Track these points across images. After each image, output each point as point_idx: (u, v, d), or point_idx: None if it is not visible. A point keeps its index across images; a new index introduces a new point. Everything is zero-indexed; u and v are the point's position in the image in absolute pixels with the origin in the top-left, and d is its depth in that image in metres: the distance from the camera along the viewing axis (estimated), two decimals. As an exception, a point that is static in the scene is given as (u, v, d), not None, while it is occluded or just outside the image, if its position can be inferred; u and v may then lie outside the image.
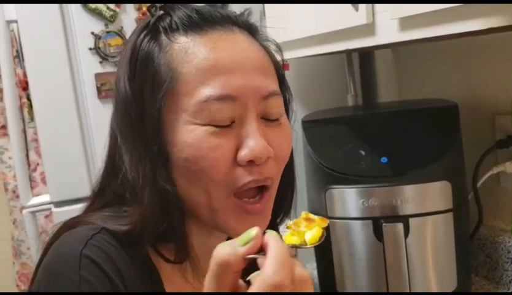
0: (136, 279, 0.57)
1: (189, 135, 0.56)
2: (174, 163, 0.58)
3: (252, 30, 0.64)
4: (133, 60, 0.59)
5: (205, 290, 0.45)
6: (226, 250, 0.44)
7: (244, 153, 0.56)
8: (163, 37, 0.59)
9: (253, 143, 0.56)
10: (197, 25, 0.59)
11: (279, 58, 0.67)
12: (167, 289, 0.61)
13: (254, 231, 0.45)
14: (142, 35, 0.60)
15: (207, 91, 0.55)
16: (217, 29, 0.59)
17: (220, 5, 1.37)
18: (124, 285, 0.55)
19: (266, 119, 0.60)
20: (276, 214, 0.69)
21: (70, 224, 0.61)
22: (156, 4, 0.61)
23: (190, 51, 0.57)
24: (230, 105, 0.56)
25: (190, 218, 0.61)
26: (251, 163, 0.56)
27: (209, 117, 0.56)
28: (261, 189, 0.60)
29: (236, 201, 0.58)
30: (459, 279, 1.03)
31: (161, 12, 0.61)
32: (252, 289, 0.42)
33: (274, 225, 0.69)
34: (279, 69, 0.65)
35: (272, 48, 0.67)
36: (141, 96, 0.58)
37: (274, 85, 0.61)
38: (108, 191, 0.63)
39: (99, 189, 0.65)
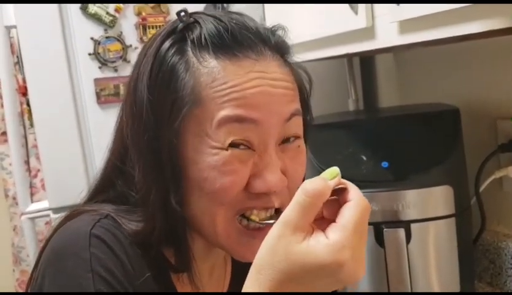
0: (144, 267, 0.57)
1: (213, 158, 0.54)
2: (190, 182, 0.56)
3: (283, 51, 0.62)
4: (155, 71, 0.57)
5: (288, 221, 0.46)
6: (317, 182, 0.47)
7: (258, 185, 0.55)
8: (191, 54, 0.56)
9: (270, 177, 0.55)
10: (228, 48, 0.56)
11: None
12: (178, 288, 0.61)
13: (336, 168, 0.50)
14: (167, 44, 0.57)
15: (226, 111, 0.54)
16: (248, 56, 0.56)
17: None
18: (132, 266, 0.55)
19: (284, 142, 0.58)
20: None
21: (73, 215, 0.61)
22: (185, 10, 0.59)
23: (218, 77, 0.55)
24: (250, 129, 0.55)
25: (194, 231, 0.61)
26: (263, 194, 0.56)
27: (227, 139, 0.54)
28: None
29: (239, 227, 0.58)
30: (462, 285, 1.01)
31: (191, 20, 0.58)
32: (350, 211, 0.48)
33: None
34: (303, 91, 0.64)
35: (303, 76, 0.65)
36: (161, 113, 0.56)
37: (296, 105, 0.59)
38: (113, 189, 0.62)
39: (102, 185, 0.64)
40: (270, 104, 0.55)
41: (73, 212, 0.61)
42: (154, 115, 0.56)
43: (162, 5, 1.40)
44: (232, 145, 0.54)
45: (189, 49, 0.57)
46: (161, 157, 0.56)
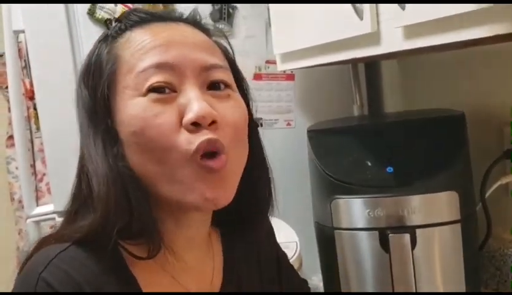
0: (108, 288, 0.57)
1: (133, 108, 0.57)
2: (125, 142, 0.58)
3: (197, 24, 0.66)
4: (88, 65, 0.63)
5: None
6: None
7: (187, 117, 0.56)
8: (112, 36, 0.63)
9: (195, 106, 0.56)
10: (142, 21, 0.63)
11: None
12: (146, 288, 0.60)
13: None
14: (97, 45, 0.65)
15: (145, 63, 0.58)
16: (159, 22, 0.63)
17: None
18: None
19: (213, 90, 0.61)
20: (257, 206, 0.70)
21: (45, 242, 0.61)
22: (113, 17, 0.67)
23: (131, 38, 0.61)
24: (168, 74, 0.58)
25: (155, 206, 0.59)
26: (198, 126, 0.56)
27: (148, 86, 0.57)
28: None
29: (195, 163, 0.56)
30: (468, 292, 1.01)
31: (116, 23, 0.65)
32: None
33: (257, 220, 0.71)
34: (230, 58, 0.68)
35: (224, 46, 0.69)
36: (93, 88, 0.61)
37: (217, 61, 0.62)
38: (80, 196, 0.62)
39: (73, 197, 0.65)
40: (182, 50, 0.59)
41: (47, 237, 0.62)
42: (89, 94, 0.61)
43: (168, 10, 1.41)
44: (152, 90, 0.57)
45: (112, 36, 0.63)
46: (96, 123, 0.60)
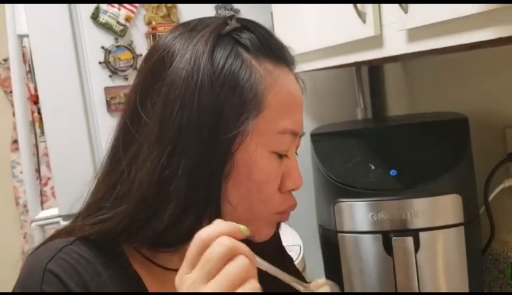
0: (111, 289, 0.57)
1: (261, 160, 0.58)
2: (233, 175, 0.57)
3: (293, 67, 0.65)
4: (219, 75, 0.56)
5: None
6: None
7: (290, 184, 0.62)
8: (247, 56, 0.58)
9: (297, 176, 0.62)
10: (277, 52, 0.61)
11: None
12: (152, 290, 0.60)
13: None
14: (222, 46, 0.58)
15: (286, 124, 0.59)
16: (287, 66, 0.63)
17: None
18: (99, 287, 0.55)
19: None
20: None
21: (52, 236, 0.61)
22: (233, 15, 0.62)
23: (278, 81, 0.59)
24: (293, 140, 0.62)
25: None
26: (290, 191, 0.63)
27: (278, 147, 0.60)
28: None
29: (273, 216, 0.63)
30: (468, 292, 1.01)
31: (238, 25, 0.60)
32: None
33: None
34: None
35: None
36: (226, 112, 0.56)
37: None
38: (107, 196, 0.60)
39: (98, 193, 0.62)
40: (302, 116, 0.64)
41: (52, 235, 0.62)
42: (216, 111, 0.55)
43: (172, 15, 1.41)
44: (277, 151, 0.60)
45: (244, 52, 0.58)
46: (217, 152, 0.56)
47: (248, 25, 0.60)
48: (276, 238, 0.81)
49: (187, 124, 0.55)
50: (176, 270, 0.49)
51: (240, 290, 0.45)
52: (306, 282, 0.61)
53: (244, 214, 0.59)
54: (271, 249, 0.79)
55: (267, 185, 0.59)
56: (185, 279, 0.46)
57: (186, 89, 0.56)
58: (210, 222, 0.50)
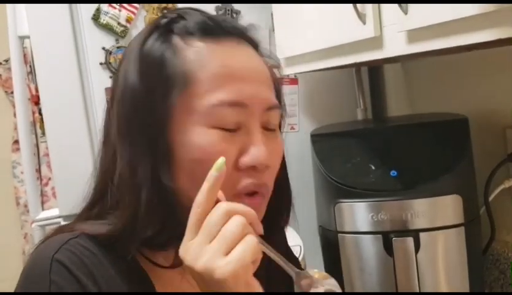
0: (118, 283, 0.57)
1: (199, 137, 0.57)
2: (178, 163, 0.58)
3: (256, 45, 0.66)
4: (145, 59, 0.59)
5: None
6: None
7: (247, 160, 0.58)
8: (177, 40, 0.60)
9: (257, 151, 0.58)
10: (213, 32, 0.60)
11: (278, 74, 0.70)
12: (160, 289, 0.61)
13: (221, 159, 0.53)
14: (153, 36, 0.60)
15: (221, 95, 0.57)
16: (230, 40, 0.61)
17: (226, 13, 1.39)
18: (99, 289, 0.55)
19: (265, 129, 0.61)
20: (273, 225, 0.68)
21: (54, 232, 0.61)
22: (169, 8, 0.63)
23: (206, 56, 0.59)
24: (239, 112, 0.58)
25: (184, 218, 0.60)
26: (251, 168, 0.58)
27: (218, 121, 0.57)
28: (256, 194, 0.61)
29: (235, 199, 0.57)
30: (469, 292, 1.01)
31: (175, 15, 0.62)
32: None
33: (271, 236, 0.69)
34: (277, 85, 0.68)
35: (274, 64, 0.69)
36: (152, 94, 0.58)
37: (275, 99, 0.63)
38: (106, 197, 0.61)
39: (93, 194, 0.64)
40: (255, 88, 0.59)
41: (55, 231, 0.62)
42: (148, 98, 0.58)
43: (173, 16, 1.41)
44: (222, 126, 0.57)
45: (175, 37, 0.60)
46: (152, 135, 0.57)
47: (183, 14, 0.62)
48: (282, 239, 0.81)
49: (123, 120, 0.59)
50: (175, 267, 0.54)
51: (239, 245, 0.49)
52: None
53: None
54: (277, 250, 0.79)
55: (211, 163, 0.55)
56: (189, 245, 0.50)
57: (122, 84, 0.60)
58: (178, 220, 0.55)
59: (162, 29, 0.61)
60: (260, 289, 0.51)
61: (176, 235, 0.56)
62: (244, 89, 0.58)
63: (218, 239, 0.49)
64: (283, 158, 0.69)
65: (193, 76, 0.58)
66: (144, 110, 0.58)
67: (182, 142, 0.57)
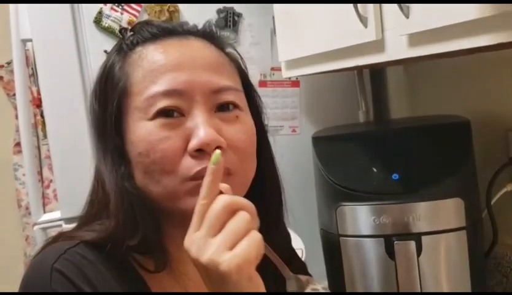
0: (117, 290, 0.58)
1: (141, 130, 0.59)
2: (133, 162, 0.60)
3: (208, 37, 0.67)
4: (101, 76, 0.64)
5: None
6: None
7: (192, 143, 0.58)
8: (125, 52, 0.64)
9: (201, 132, 0.57)
10: (154, 36, 0.64)
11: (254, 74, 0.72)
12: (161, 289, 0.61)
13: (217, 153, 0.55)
14: (111, 56, 0.65)
15: (155, 88, 0.59)
16: (170, 38, 0.64)
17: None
18: (104, 289, 0.56)
19: (222, 112, 0.62)
20: (267, 217, 0.68)
21: (55, 240, 0.62)
22: (124, 27, 0.67)
23: (143, 56, 0.62)
24: (177, 99, 0.59)
25: (163, 221, 0.62)
26: (201, 152, 0.58)
27: (156, 111, 0.59)
28: None
29: (193, 182, 0.58)
30: (470, 292, 1.00)
31: (130, 33, 0.66)
32: None
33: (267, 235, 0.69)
34: (243, 72, 0.69)
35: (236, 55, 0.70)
36: (104, 103, 0.62)
37: (228, 82, 0.63)
38: (95, 202, 0.64)
39: (89, 203, 0.66)
40: (192, 75, 0.60)
41: (56, 236, 0.63)
42: (100, 108, 0.63)
43: (175, 19, 1.41)
44: (160, 114, 0.59)
45: (125, 50, 0.64)
46: (106, 139, 0.61)
47: (134, 30, 0.66)
48: (287, 241, 0.81)
49: (92, 135, 0.64)
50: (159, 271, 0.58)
51: (243, 241, 0.50)
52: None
53: (160, 192, 0.59)
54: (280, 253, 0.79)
55: (156, 153, 0.57)
56: (193, 237, 0.51)
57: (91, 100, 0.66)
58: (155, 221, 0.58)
59: (119, 47, 0.65)
60: (262, 283, 0.52)
61: (151, 242, 0.59)
62: (178, 77, 0.59)
63: (224, 233, 0.50)
64: (270, 149, 0.70)
65: (131, 77, 0.61)
66: (99, 120, 0.63)
67: (131, 141, 0.60)
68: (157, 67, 0.60)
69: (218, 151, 0.55)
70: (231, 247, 0.50)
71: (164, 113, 0.59)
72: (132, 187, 0.59)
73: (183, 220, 0.60)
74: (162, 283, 0.62)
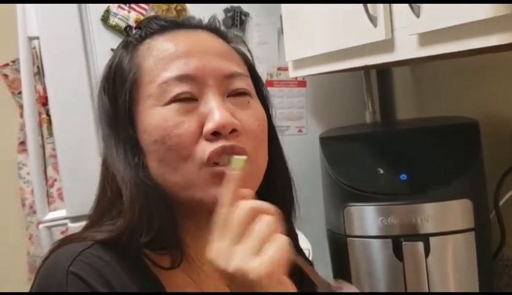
0: (133, 289, 0.57)
1: (154, 117, 0.59)
2: (146, 151, 0.60)
3: (215, 30, 0.68)
4: (109, 72, 0.64)
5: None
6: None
7: (208, 126, 0.57)
8: (131, 46, 0.64)
9: (216, 115, 0.57)
10: (162, 28, 0.64)
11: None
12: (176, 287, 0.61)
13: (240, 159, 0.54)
14: (118, 52, 0.65)
15: (168, 74, 0.59)
16: (179, 30, 0.64)
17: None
18: (123, 289, 0.56)
19: (233, 97, 0.62)
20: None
21: (65, 241, 0.61)
22: (130, 25, 0.69)
23: (151, 46, 0.62)
24: (190, 84, 0.59)
25: (177, 213, 0.61)
26: (217, 135, 0.58)
27: (170, 97, 0.58)
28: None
29: (209, 169, 0.57)
30: (471, 293, 1.00)
31: (136, 30, 0.66)
32: None
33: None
34: (250, 65, 0.69)
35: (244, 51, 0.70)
36: (115, 96, 0.62)
37: (238, 69, 0.63)
38: (105, 200, 0.63)
39: (97, 201, 0.65)
40: (203, 60, 0.60)
41: (68, 238, 0.62)
42: (110, 102, 0.63)
43: (182, 18, 1.41)
44: (174, 100, 0.58)
45: (131, 45, 0.64)
46: (118, 131, 0.61)
47: (141, 26, 0.66)
48: (294, 240, 0.81)
49: (102, 131, 0.64)
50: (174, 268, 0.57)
51: (268, 246, 0.49)
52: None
53: (176, 181, 0.58)
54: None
55: (172, 139, 0.57)
56: (218, 248, 0.50)
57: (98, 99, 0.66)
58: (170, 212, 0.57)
59: (126, 43, 0.65)
60: (292, 285, 0.51)
61: (168, 237, 0.58)
62: (189, 63, 0.60)
63: (249, 239, 0.49)
64: (279, 143, 0.70)
65: (141, 67, 0.61)
66: (110, 112, 0.62)
67: (144, 129, 0.60)
68: (168, 55, 0.60)
69: (242, 157, 0.54)
70: (258, 253, 0.48)
71: (178, 98, 0.59)
72: (147, 178, 0.59)
73: (199, 211, 0.61)
74: (176, 280, 0.61)
